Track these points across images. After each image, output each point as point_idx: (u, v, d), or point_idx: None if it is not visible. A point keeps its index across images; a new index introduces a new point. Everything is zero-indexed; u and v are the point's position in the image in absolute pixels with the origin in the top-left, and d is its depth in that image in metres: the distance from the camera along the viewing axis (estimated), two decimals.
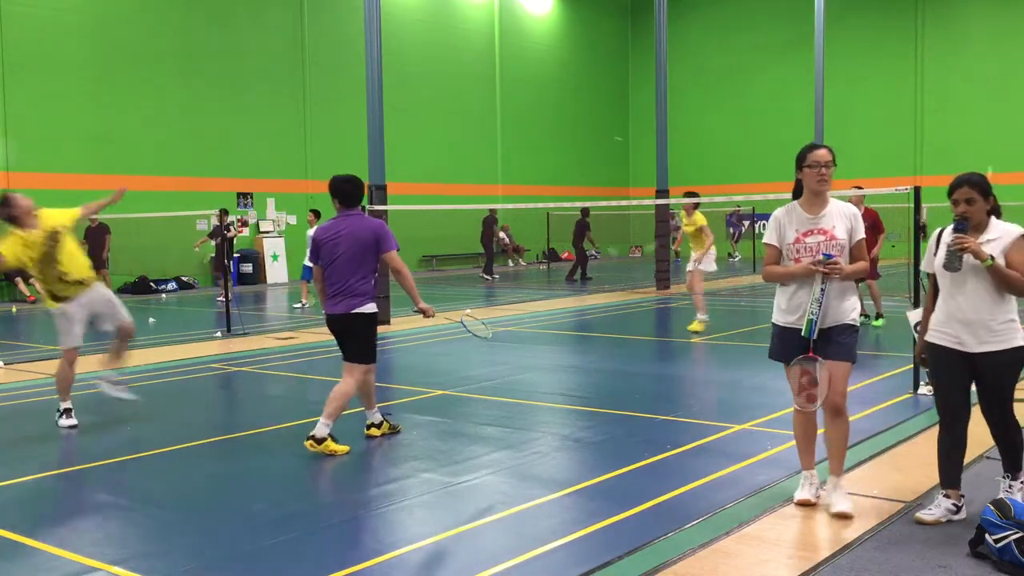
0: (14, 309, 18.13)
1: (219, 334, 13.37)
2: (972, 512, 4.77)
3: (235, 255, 22.78)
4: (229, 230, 18.93)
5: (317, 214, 16.51)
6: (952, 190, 4.69)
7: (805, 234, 4.96)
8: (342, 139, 25.13)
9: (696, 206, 12.88)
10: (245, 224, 24.50)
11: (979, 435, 6.59)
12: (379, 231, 6.68)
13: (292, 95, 25.16)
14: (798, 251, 4.96)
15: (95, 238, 19.42)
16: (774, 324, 5.14)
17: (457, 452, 6.47)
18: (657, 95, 21.04)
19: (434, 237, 28.01)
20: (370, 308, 6.64)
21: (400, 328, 13.91)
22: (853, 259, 5.00)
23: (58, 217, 7.70)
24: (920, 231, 8.69)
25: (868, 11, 31.63)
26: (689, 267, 13.01)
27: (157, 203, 21.09)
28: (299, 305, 17.22)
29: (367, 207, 13.76)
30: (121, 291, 20.96)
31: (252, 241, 24.50)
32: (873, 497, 5.23)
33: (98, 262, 20.07)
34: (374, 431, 6.97)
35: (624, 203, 23.60)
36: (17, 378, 10.01)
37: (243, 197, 24.41)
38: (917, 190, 8.55)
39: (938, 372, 4.82)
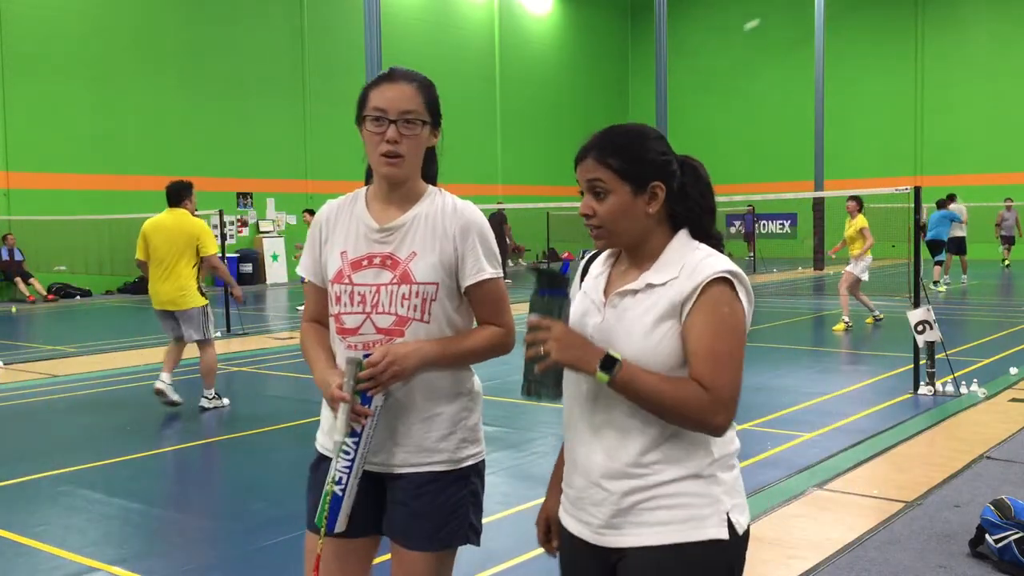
0: (14, 309, 18.13)
1: (218, 334, 13.37)
2: (972, 512, 4.77)
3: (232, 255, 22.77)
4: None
5: (312, 213, 16.71)
6: (576, 165, 2.17)
7: (359, 263, 2.42)
8: (342, 139, 25.05)
9: (860, 208, 12.80)
10: (245, 224, 24.52)
11: (979, 433, 6.61)
12: None
13: (292, 95, 25.16)
14: (339, 298, 2.42)
15: None
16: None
17: None
18: (657, 95, 21.04)
19: None
20: None
21: None
22: (479, 314, 2.49)
23: None
24: (920, 231, 8.70)
25: (868, 11, 31.63)
26: (853, 269, 12.81)
27: (157, 203, 21.06)
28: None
29: None
30: (122, 291, 20.99)
31: (252, 241, 24.50)
32: (873, 497, 5.23)
33: None
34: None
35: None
36: (17, 378, 10.00)
37: (243, 197, 24.41)
38: (917, 190, 8.57)
39: None
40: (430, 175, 2.54)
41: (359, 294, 2.40)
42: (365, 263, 2.42)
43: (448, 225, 2.42)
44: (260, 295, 21.20)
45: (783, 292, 18.89)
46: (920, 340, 8.04)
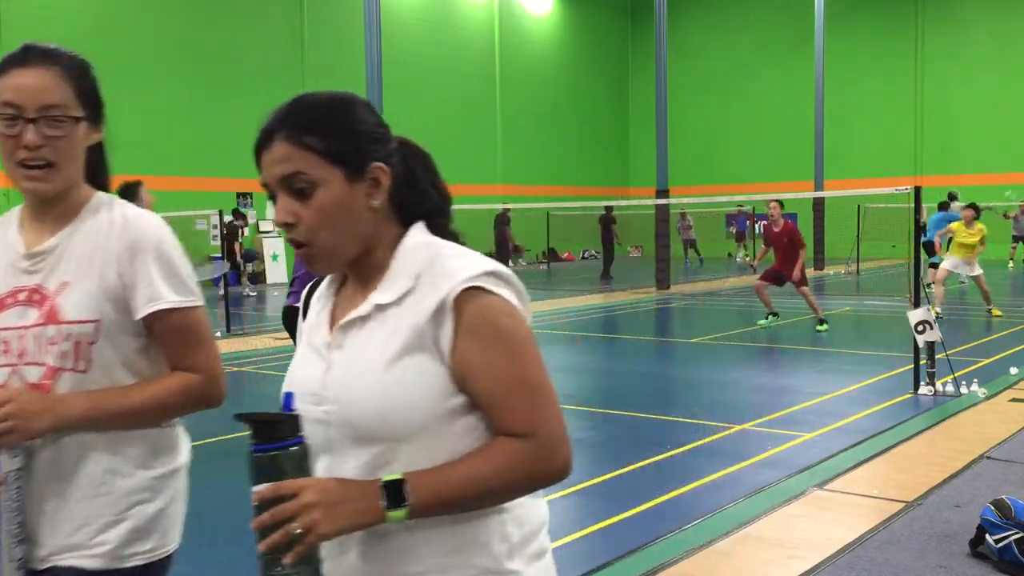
0: None
1: (219, 334, 13.37)
2: (972, 512, 4.77)
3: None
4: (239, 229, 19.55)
5: None
6: (257, 155, 1.49)
7: (3, 302, 1.86)
8: None
9: (977, 216, 13.97)
10: (246, 224, 24.55)
11: (979, 433, 6.61)
12: None
13: (292, 95, 25.11)
14: None
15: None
16: None
17: None
18: (657, 95, 21.04)
19: None
20: (291, 302, 5.94)
21: None
22: (166, 356, 1.95)
23: None
24: (920, 231, 8.71)
25: (868, 11, 31.64)
26: (976, 272, 13.87)
27: (157, 203, 21.08)
28: None
29: None
30: None
31: (252, 241, 24.51)
32: (873, 497, 5.23)
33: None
34: None
35: (625, 203, 23.65)
36: None
37: (243, 197, 24.41)
38: (917, 190, 8.57)
39: None
40: (100, 180, 1.93)
41: (3, 341, 1.82)
42: (10, 301, 1.83)
43: (113, 243, 1.83)
44: (261, 295, 21.22)
45: (783, 292, 18.87)
46: (920, 340, 8.04)
